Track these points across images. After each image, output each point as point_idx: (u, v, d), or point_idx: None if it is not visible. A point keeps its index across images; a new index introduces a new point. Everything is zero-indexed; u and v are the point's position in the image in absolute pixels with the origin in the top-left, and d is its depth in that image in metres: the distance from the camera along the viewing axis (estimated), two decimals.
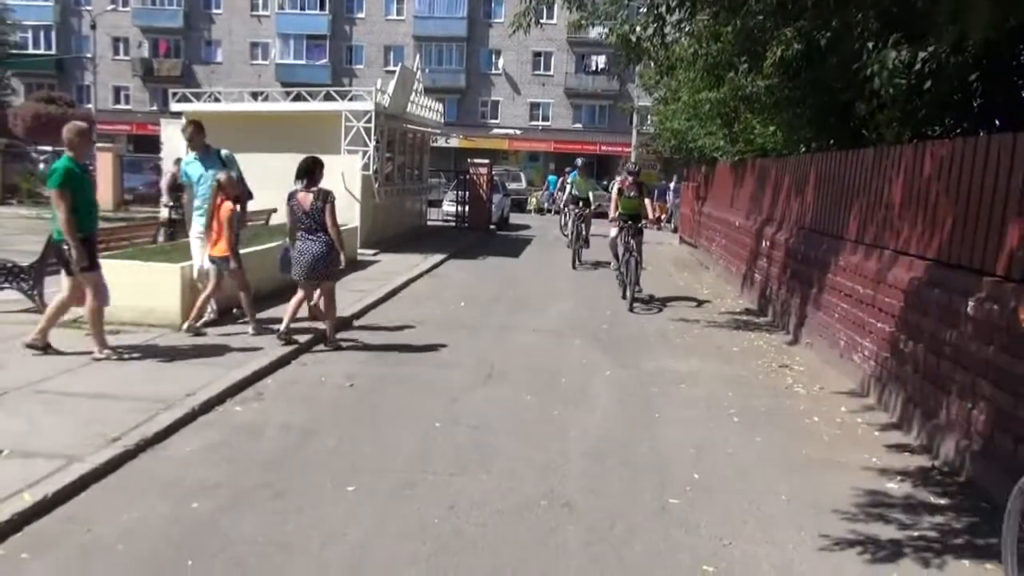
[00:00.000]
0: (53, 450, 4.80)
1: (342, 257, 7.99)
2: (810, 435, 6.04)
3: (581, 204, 16.76)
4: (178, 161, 13.99)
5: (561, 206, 17.76)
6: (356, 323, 9.45)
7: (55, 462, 4.62)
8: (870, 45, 6.59)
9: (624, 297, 11.62)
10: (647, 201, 12.51)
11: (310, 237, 7.73)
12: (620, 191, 12.23)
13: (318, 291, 8.18)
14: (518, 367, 7.73)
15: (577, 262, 15.76)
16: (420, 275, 13.67)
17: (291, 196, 7.85)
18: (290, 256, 7.94)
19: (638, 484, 4.96)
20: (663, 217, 15.94)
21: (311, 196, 7.74)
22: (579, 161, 17.62)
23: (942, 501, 4.84)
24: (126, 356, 7.08)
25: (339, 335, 8.35)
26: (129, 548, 3.87)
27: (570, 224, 16.88)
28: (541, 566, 3.88)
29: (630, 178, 12.22)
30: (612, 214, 12.31)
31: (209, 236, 8.16)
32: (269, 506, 4.41)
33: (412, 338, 8.81)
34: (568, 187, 17.20)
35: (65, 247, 6.81)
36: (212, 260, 8.12)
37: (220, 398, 6.18)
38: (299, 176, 7.86)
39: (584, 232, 16.71)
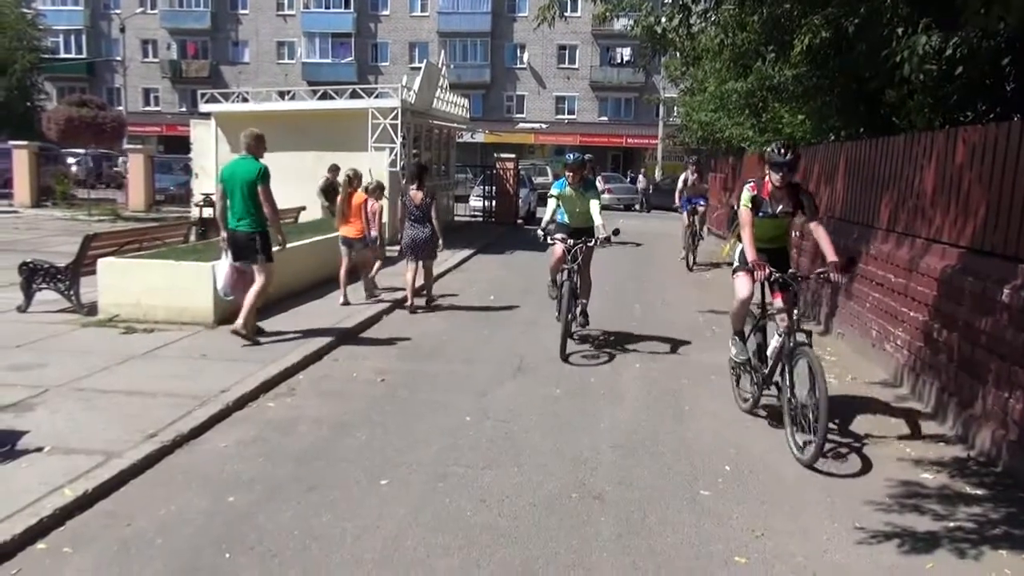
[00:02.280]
0: (92, 446, 4.91)
1: (440, 242, 9.91)
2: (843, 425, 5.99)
3: (572, 241, 7.98)
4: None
5: (541, 235, 8.17)
6: (385, 318, 9.53)
7: (94, 458, 4.72)
8: (899, 31, 6.52)
9: (787, 433, 5.41)
10: (816, 225, 5.98)
11: (418, 226, 9.73)
12: (754, 203, 5.85)
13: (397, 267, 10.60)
14: (547, 360, 7.74)
15: (567, 345, 7.87)
16: (449, 270, 13.72)
17: (403, 193, 10.06)
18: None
19: (669, 476, 4.96)
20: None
21: (421, 194, 9.69)
22: (569, 157, 8.33)
23: (978, 492, 4.78)
24: (262, 341, 7.72)
25: (370, 329, 8.88)
26: (168, 541, 3.95)
27: (561, 278, 8.24)
28: (573, 557, 3.90)
29: (776, 175, 5.71)
30: (749, 253, 5.72)
31: (342, 220, 9.92)
32: (303, 499, 4.48)
33: (442, 332, 8.87)
34: (551, 204, 8.28)
35: (258, 237, 7.45)
36: (346, 241, 9.93)
37: (253, 394, 6.27)
38: (411, 179, 10.06)
39: (577, 301, 8.15)
